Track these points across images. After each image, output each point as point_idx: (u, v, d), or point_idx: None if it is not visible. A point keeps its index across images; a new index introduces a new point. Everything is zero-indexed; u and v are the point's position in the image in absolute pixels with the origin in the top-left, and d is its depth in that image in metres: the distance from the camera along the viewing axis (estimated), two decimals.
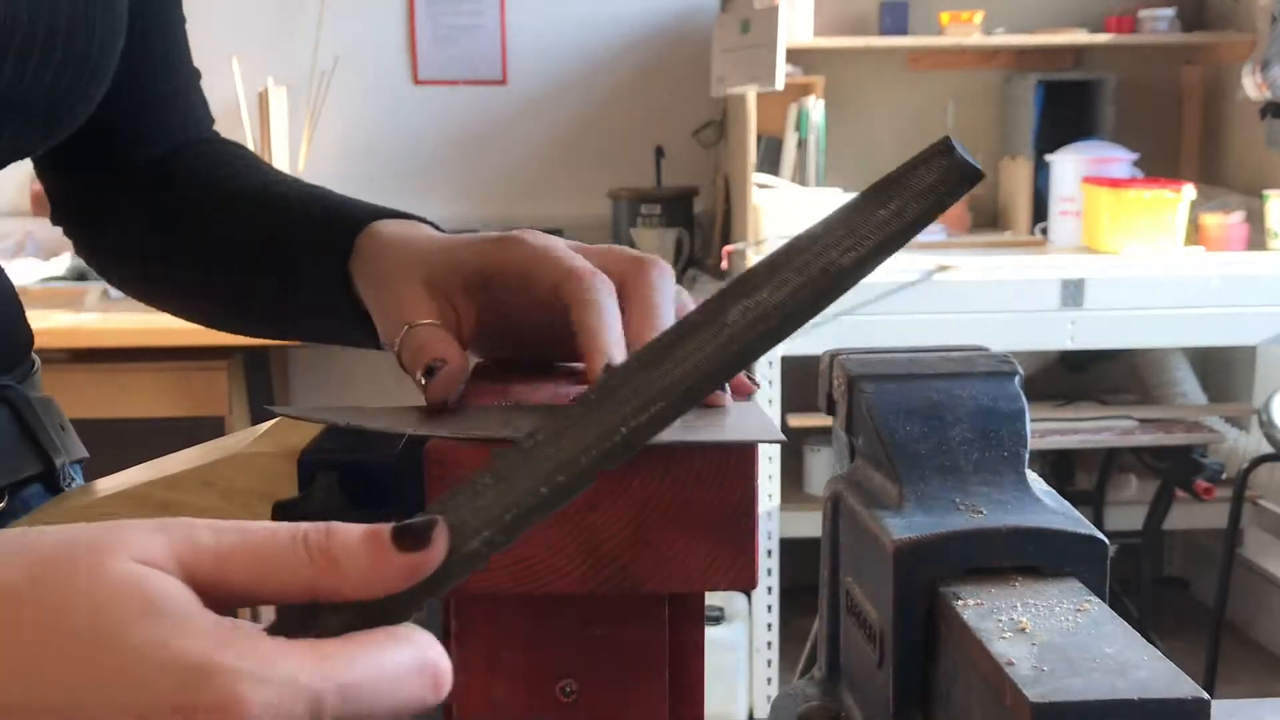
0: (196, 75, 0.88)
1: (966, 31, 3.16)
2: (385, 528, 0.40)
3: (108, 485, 0.60)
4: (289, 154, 3.21)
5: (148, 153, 0.85)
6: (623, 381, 0.43)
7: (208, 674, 0.35)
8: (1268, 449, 2.58)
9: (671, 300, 0.60)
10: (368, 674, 0.38)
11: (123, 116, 0.83)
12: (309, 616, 0.39)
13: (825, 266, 0.42)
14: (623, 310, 0.58)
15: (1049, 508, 0.57)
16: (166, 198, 0.83)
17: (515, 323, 0.63)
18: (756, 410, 0.59)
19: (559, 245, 0.61)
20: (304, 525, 0.40)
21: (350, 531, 0.39)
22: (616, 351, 0.56)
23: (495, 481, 0.41)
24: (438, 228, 0.70)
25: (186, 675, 0.36)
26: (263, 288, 0.76)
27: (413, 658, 0.39)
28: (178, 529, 0.39)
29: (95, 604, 0.36)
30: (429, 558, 0.39)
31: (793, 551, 2.87)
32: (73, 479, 0.80)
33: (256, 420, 2.97)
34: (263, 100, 3.10)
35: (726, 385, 0.57)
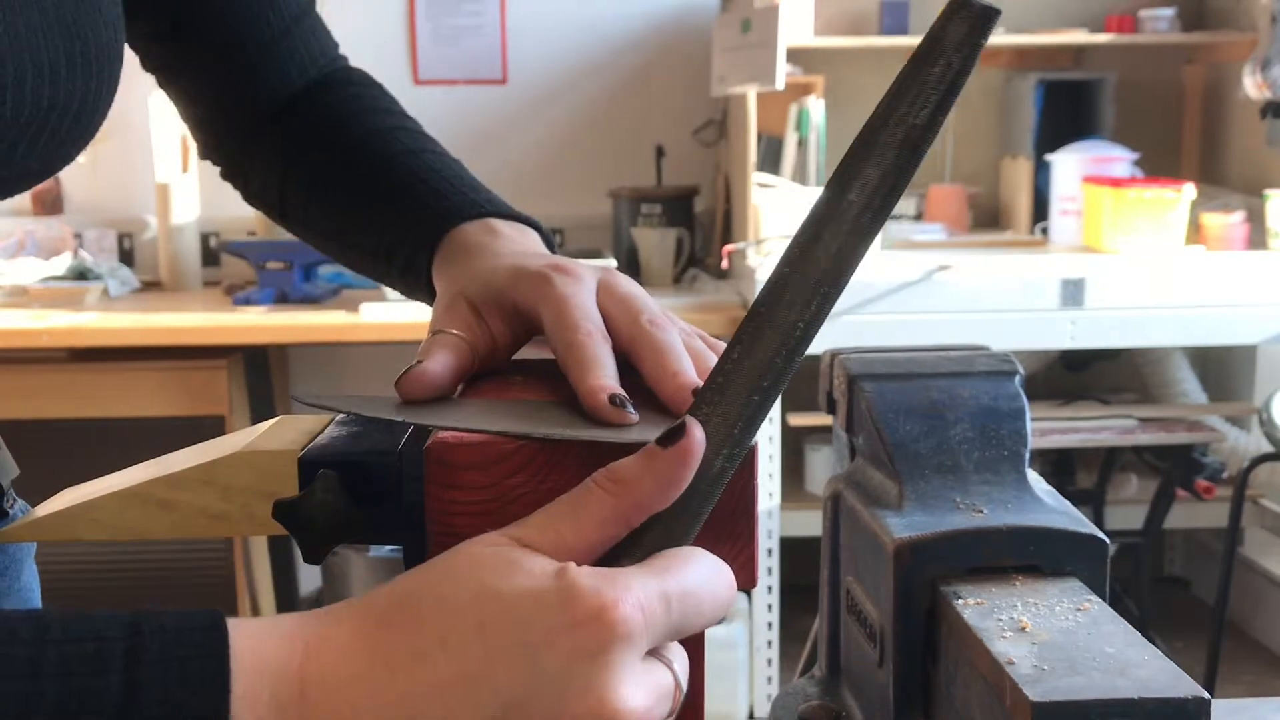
0: (306, 9, 0.88)
1: None
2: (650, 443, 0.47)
3: (108, 484, 0.60)
4: None
5: (276, 93, 0.86)
6: (784, 286, 0.49)
7: (573, 592, 0.43)
8: (1268, 448, 2.57)
9: (676, 336, 0.60)
10: (694, 576, 0.46)
11: (239, 70, 0.85)
12: (628, 546, 0.47)
13: (908, 130, 0.49)
14: (636, 358, 0.59)
15: (1049, 507, 0.57)
16: (290, 145, 0.85)
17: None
18: None
19: (576, 295, 0.61)
20: (594, 474, 0.47)
21: (625, 459, 0.47)
22: (601, 377, 0.56)
23: (716, 403, 0.48)
24: (539, 228, 0.75)
25: (559, 598, 0.43)
26: (366, 258, 0.81)
27: (714, 565, 0.47)
28: (501, 526, 0.48)
29: (470, 583, 0.44)
30: (691, 445, 0.46)
31: (793, 551, 2.87)
32: (15, 500, 0.80)
33: (256, 419, 2.97)
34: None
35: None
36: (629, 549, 0.47)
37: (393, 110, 0.86)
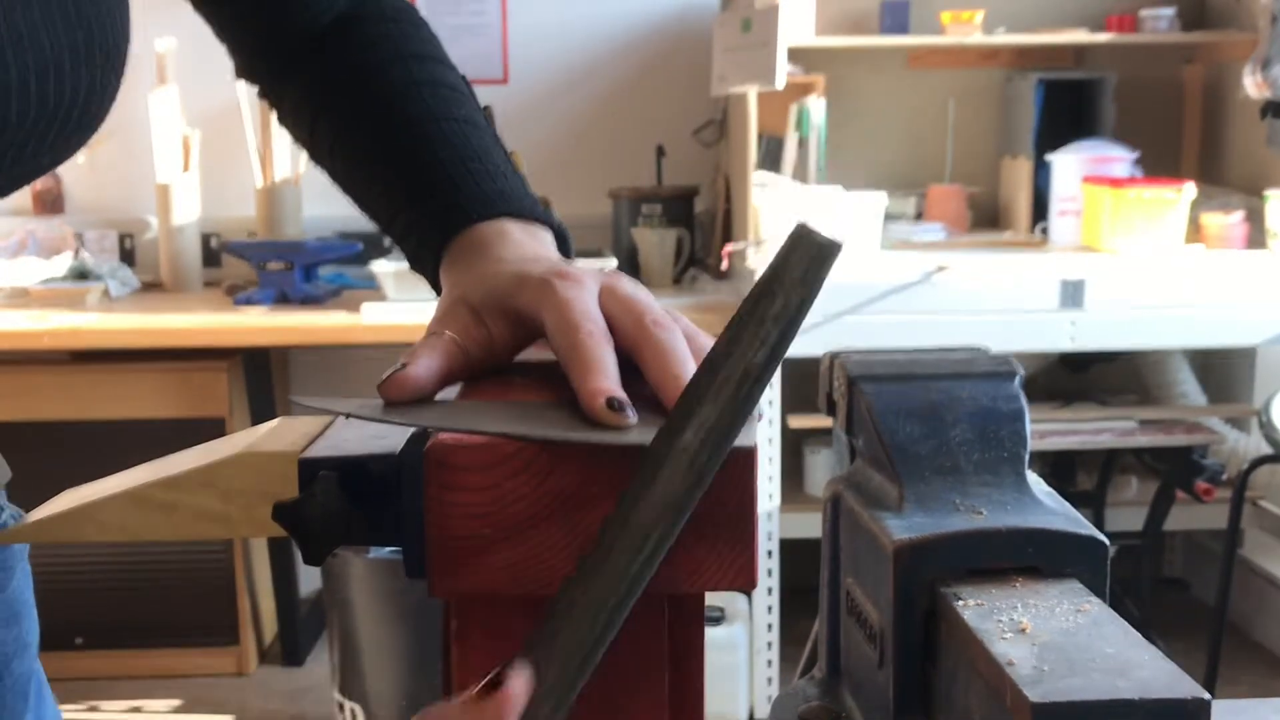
0: None
1: (967, 31, 3.16)
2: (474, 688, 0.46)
3: (108, 485, 0.60)
4: (290, 155, 3.21)
5: (312, 18, 0.84)
6: (619, 530, 0.48)
7: None
8: (1268, 450, 2.58)
9: (679, 337, 0.60)
10: None
11: None
12: None
13: (746, 368, 0.48)
14: (639, 359, 0.59)
15: (1049, 508, 0.57)
16: (319, 89, 0.84)
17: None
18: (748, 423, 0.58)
19: (579, 298, 0.61)
20: None
21: (444, 706, 0.46)
22: (600, 380, 0.56)
23: (546, 649, 0.47)
24: (555, 226, 0.73)
25: None
26: (382, 228, 0.80)
27: None
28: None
29: None
30: (505, 699, 0.45)
31: (793, 552, 2.87)
32: (2, 508, 0.79)
33: (256, 420, 2.97)
34: (269, 108, 3.09)
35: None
36: None
37: (423, 55, 0.83)
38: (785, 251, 0.47)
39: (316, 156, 0.85)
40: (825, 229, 0.47)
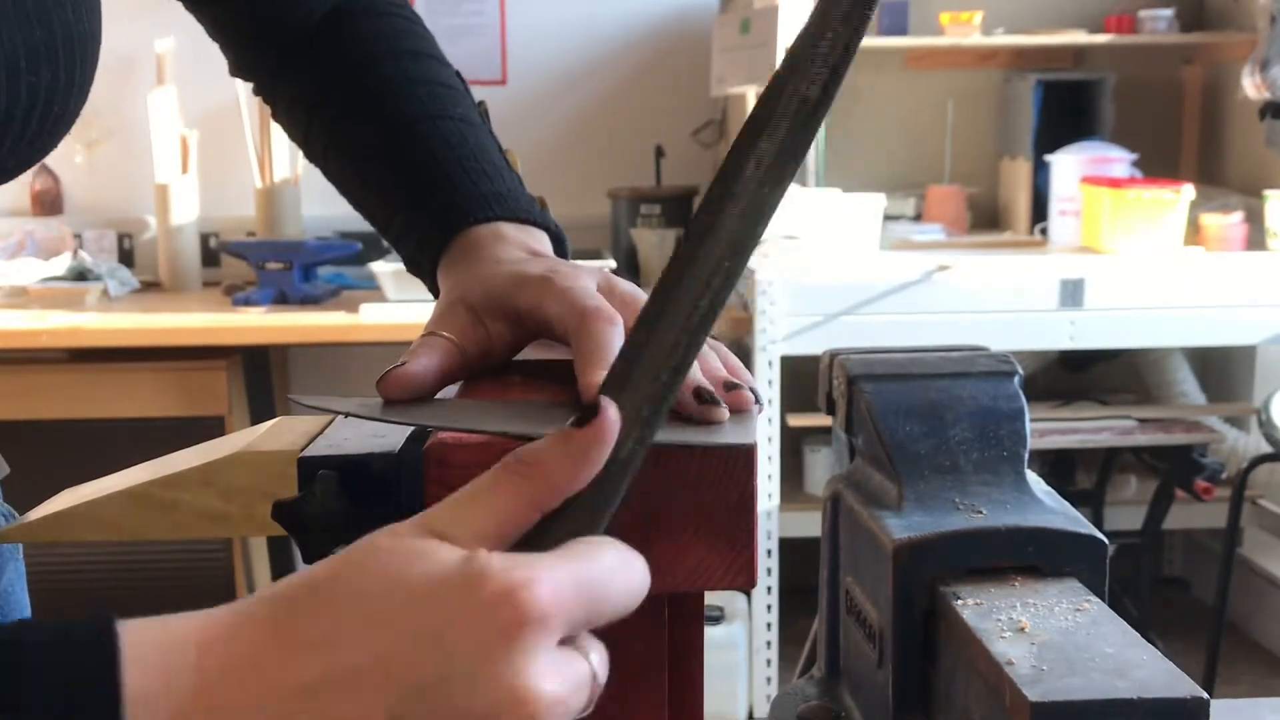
0: None
1: (966, 31, 3.16)
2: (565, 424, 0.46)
3: (108, 484, 0.60)
4: (289, 155, 3.21)
5: (303, 15, 0.84)
6: (686, 264, 0.48)
7: (483, 575, 0.42)
8: (1267, 449, 2.58)
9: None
10: (605, 564, 0.44)
11: None
12: (538, 534, 0.46)
13: (800, 103, 0.49)
14: None
15: (1049, 507, 0.57)
16: (314, 87, 0.83)
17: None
18: (748, 421, 0.58)
19: (580, 284, 0.62)
20: (505, 458, 0.46)
21: (537, 441, 0.46)
22: (603, 373, 0.56)
23: (622, 387, 0.47)
24: (550, 228, 0.73)
25: (467, 581, 0.42)
26: (378, 228, 0.80)
27: (625, 554, 0.45)
28: (414, 517, 0.46)
29: (377, 570, 0.43)
30: (605, 424, 0.45)
31: (792, 551, 2.87)
32: None
33: (256, 420, 2.97)
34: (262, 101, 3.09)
35: (723, 402, 0.57)
36: (539, 536, 0.46)
37: (417, 52, 0.83)
38: None
39: (312, 155, 0.85)
40: None
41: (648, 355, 0.47)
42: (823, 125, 3.19)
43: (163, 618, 0.43)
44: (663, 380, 0.47)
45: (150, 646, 0.41)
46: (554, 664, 0.42)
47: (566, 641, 0.44)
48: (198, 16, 0.86)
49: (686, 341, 0.48)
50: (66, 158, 3.34)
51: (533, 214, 0.74)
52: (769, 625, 2.83)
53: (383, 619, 0.42)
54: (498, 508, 0.45)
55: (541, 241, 0.73)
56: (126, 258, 3.39)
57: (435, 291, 0.72)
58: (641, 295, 0.63)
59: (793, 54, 0.49)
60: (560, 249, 0.74)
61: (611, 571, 0.45)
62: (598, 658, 0.45)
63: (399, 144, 0.77)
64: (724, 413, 0.56)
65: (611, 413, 0.46)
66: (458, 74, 0.84)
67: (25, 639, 0.41)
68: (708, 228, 0.48)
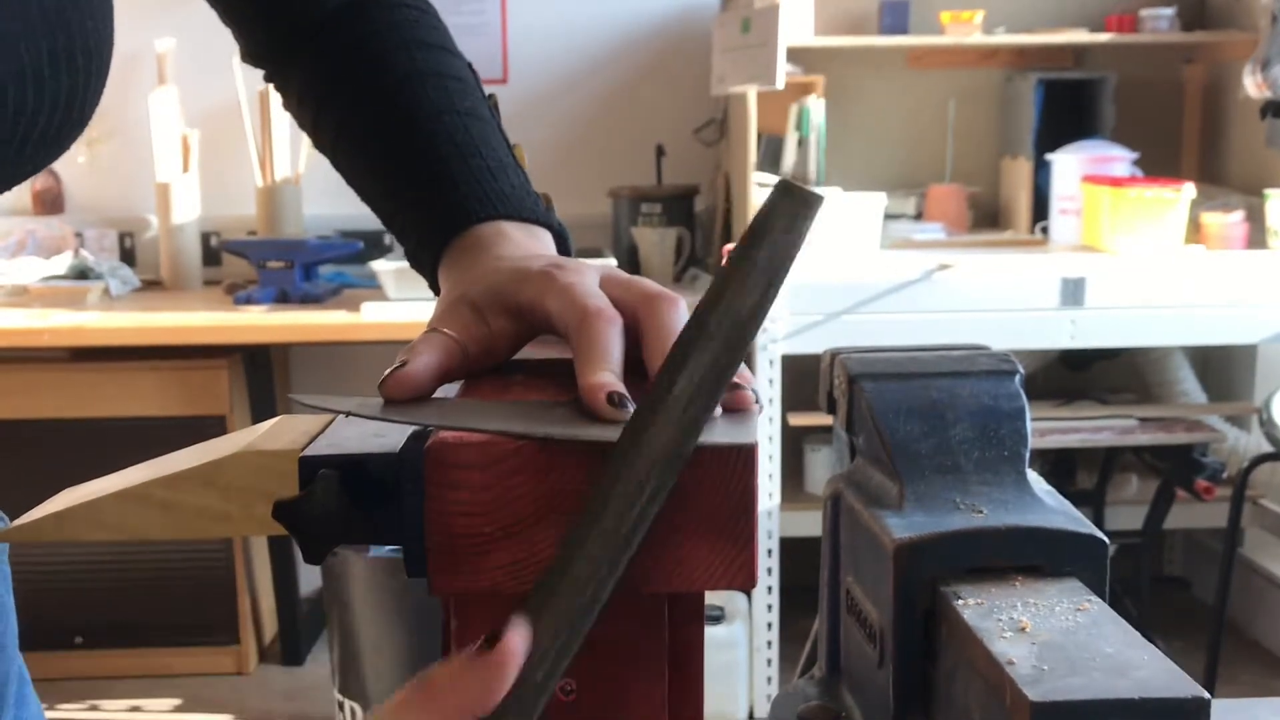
0: None
1: (967, 31, 3.16)
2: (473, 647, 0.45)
3: (108, 484, 0.60)
4: (290, 154, 3.21)
5: (320, 2, 0.83)
6: (613, 481, 0.48)
7: None
8: (1268, 448, 2.57)
9: (685, 312, 0.60)
10: None
11: None
12: None
13: (734, 318, 0.49)
14: (640, 344, 0.59)
15: (1049, 507, 0.57)
16: (324, 78, 0.83)
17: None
18: (748, 421, 0.58)
19: (582, 282, 0.61)
20: (409, 684, 0.46)
21: (441, 665, 0.46)
22: (603, 373, 0.56)
23: (538, 612, 0.47)
24: (554, 227, 0.73)
25: None
26: (384, 222, 0.79)
27: None
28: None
29: None
30: (509, 651, 0.45)
31: (793, 551, 2.87)
32: None
33: (257, 419, 2.97)
34: (264, 100, 3.11)
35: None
36: None
37: (429, 43, 0.82)
38: (771, 203, 0.49)
39: (320, 145, 0.84)
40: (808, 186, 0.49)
41: (566, 581, 0.47)
42: (823, 125, 3.19)
43: None
44: (578, 605, 0.47)
45: None
46: None
47: None
48: (211, 2, 0.86)
49: (607, 568, 0.48)
50: (68, 157, 3.34)
51: (536, 213, 0.73)
52: (769, 625, 2.83)
53: None
54: None
55: (544, 240, 0.73)
56: (128, 257, 3.39)
57: (436, 289, 0.72)
58: (643, 281, 0.63)
59: (729, 265, 0.49)
60: (564, 248, 0.74)
61: None
62: None
63: (405, 139, 0.77)
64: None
65: (516, 641, 0.46)
66: (469, 66, 0.83)
67: None
68: (634, 443, 0.48)
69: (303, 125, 0.86)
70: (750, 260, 0.48)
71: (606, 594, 0.48)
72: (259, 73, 0.89)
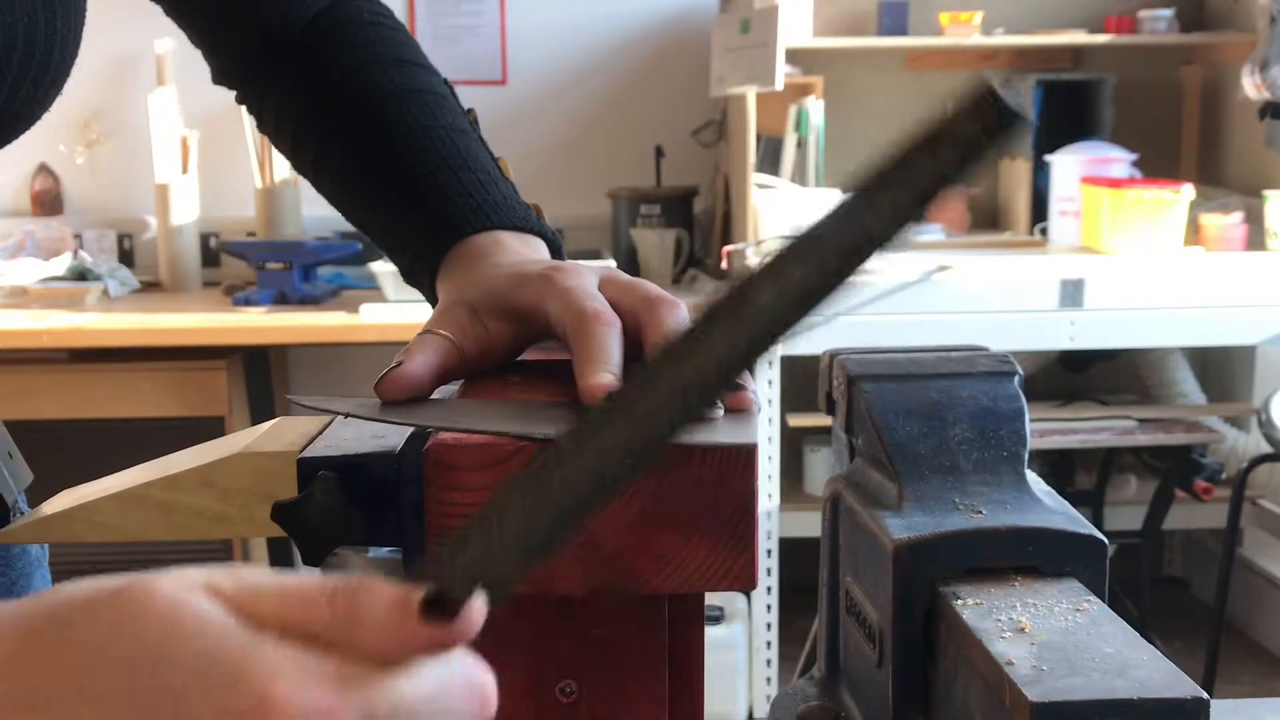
0: None
1: (965, 32, 3.16)
2: (415, 595, 0.37)
3: (107, 485, 0.60)
4: None
5: (284, 22, 0.82)
6: (639, 388, 0.38)
7: (244, 671, 0.35)
8: (1267, 449, 2.58)
9: (685, 315, 0.60)
10: (417, 688, 0.36)
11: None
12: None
13: (861, 237, 0.39)
14: (646, 338, 0.59)
15: (1048, 508, 0.57)
16: (300, 100, 0.82)
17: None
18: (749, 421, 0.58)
19: (581, 285, 0.62)
20: (341, 578, 0.38)
21: (379, 593, 0.37)
22: (603, 374, 0.56)
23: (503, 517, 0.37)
24: (548, 236, 0.73)
25: (227, 673, 0.35)
26: (374, 240, 0.79)
27: (459, 674, 0.37)
28: (216, 568, 0.38)
29: (137, 627, 0.36)
30: (456, 632, 0.37)
31: (792, 551, 2.87)
32: (22, 513, 0.78)
33: (256, 420, 2.97)
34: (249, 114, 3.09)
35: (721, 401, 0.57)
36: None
37: (403, 60, 0.81)
38: (964, 111, 0.38)
39: (300, 167, 0.84)
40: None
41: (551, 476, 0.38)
42: (822, 126, 3.19)
43: None
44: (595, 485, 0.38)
45: None
46: None
47: None
48: (178, 21, 0.85)
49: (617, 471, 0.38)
50: (67, 158, 3.34)
51: (529, 222, 0.74)
52: (769, 625, 2.83)
53: (119, 689, 0.35)
54: (294, 618, 0.37)
55: (539, 248, 0.73)
56: (127, 258, 3.39)
57: (434, 302, 0.72)
58: (642, 283, 0.63)
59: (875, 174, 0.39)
60: (556, 256, 0.74)
61: (438, 692, 0.37)
62: None
63: (391, 156, 0.77)
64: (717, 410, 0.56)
65: (469, 619, 0.37)
66: (445, 81, 0.83)
67: None
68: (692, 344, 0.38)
69: (280, 148, 0.86)
70: (903, 173, 0.39)
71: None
72: None
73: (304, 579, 0.38)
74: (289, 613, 0.37)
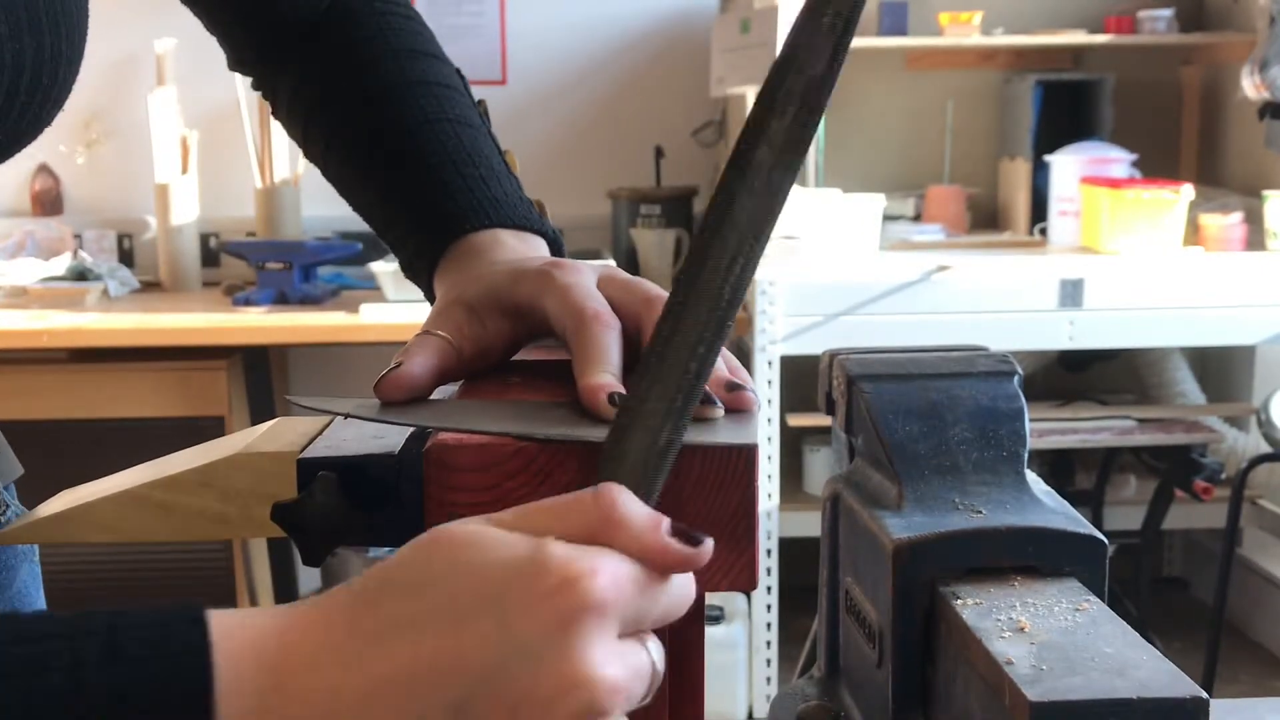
0: None
1: (965, 32, 3.16)
2: (665, 518, 0.46)
3: (107, 485, 0.60)
4: (289, 155, 3.21)
5: (305, 9, 0.83)
6: (705, 253, 0.49)
7: (547, 562, 0.43)
8: (1266, 449, 2.58)
9: None
10: (677, 590, 0.46)
11: None
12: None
13: (806, 82, 0.49)
14: (644, 338, 0.59)
15: (1048, 507, 0.57)
16: (313, 85, 0.82)
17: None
18: (749, 421, 0.58)
19: (580, 283, 0.62)
20: (600, 485, 0.46)
21: (635, 502, 0.46)
22: (602, 374, 0.56)
23: (653, 380, 0.48)
24: (548, 235, 0.73)
25: (531, 568, 0.43)
26: (377, 231, 0.80)
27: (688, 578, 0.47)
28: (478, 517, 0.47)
29: (445, 557, 0.45)
30: (700, 555, 0.46)
31: (792, 551, 2.87)
32: (6, 506, 0.79)
33: (255, 420, 2.97)
34: (263, 102, 3.09)
35: (719, 400, 0.57)
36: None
37: (416, 51, 0.82)
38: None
39: (310, 155, 0.84)
40: None
41: (675, 345, 0.48)
42: (822, 125, 3.20)
43: (241, 611, 0.45)
44: (691, 370, 0.48)
45: (237, 640, 0.43)
46: (613, 652, 0.43)
47: (627, 634, 0.45)
48: (194, 10, 0.85)
49: (712, 331, 0.48)
50: (67, 158, 3.34)
51: (530, 220, 0.74)
52: (769, 625, 2.83)
53: (458, 609, 0.43)
54: (560, 523, 0.46)
55: (538, 247, 0.73)
56: (126, 258, 3.39)
57: (432, 298, 0.72)
58: (643, 283, 0.63)
59: (795, 33, 0.50)
60: (557, 255, 0.74)
61: (684, 581, 0.47)
62: (656, 650, 0.46)
63: (396, 148, 0.77)
64: (718, 410, 0.56)
65: (705, 551, 0.46)
66: (458, 71, 0.83)
67: (119, 623, 0.42)
68: (721, 214, 0.49)
69: (292, 134, 0.86)
70: (815, 26, 0.49)
71: (715, 356, 0.49)
72: None
73: (565, 497, 0.47)
74: (559, 518, 0.46)
